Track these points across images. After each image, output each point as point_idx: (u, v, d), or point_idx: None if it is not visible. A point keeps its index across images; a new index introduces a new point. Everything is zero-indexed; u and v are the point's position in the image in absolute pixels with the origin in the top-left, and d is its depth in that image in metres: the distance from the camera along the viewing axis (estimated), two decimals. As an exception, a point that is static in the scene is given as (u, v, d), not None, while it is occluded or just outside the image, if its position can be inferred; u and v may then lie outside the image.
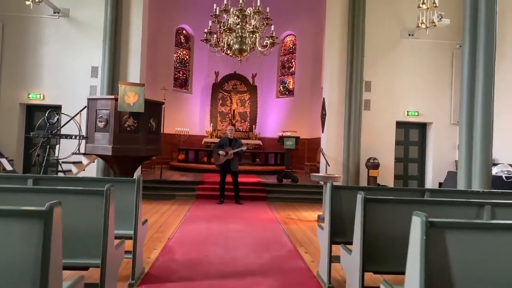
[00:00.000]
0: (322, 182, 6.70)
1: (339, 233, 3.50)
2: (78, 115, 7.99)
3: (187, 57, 16.05)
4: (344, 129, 9.36)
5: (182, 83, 15.85)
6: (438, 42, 9.59)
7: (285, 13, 15.66)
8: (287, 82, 16.16)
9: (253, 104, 15.58)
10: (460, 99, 4.68)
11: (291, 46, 16.14)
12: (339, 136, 9.42)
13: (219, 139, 8.59)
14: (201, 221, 6.24)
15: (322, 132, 9.71)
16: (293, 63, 15.96)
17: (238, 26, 6.64)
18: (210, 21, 7.77)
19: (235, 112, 15.39)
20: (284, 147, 9.59)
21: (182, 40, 15.84)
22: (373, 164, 8.92)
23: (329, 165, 8.94)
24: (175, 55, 15.53)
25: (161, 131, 9.02)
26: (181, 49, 15.83)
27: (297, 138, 9.62)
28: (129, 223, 3.41)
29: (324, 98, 9.72)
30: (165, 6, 14.48)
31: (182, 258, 4.19)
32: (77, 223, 2.54)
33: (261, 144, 14.73)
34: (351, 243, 3.46)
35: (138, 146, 7.56)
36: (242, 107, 15.66)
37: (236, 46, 6.25)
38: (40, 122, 8.00)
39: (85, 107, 7.75)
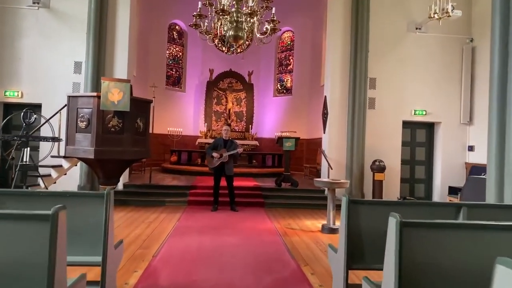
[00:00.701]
0: (326, 189, 6.04)
1: (357, 258, 2.85)
2: (58, 114, 7.29)
3: (180, 54, 15.35)
4: (347, 129, 8.73)
5: (175, 81, 15.16)
6: (447, 36, 8.98)
7: (282, 8, 14.94)
8: (285, 80, 15.52)
9: (250, 103, 14.92)
10: (489, 96, 4.06)
11: (289, 42, 15.49)
12: (342, 137, 8.79)
13: (213, 140, 7.91)
14: (192, 233, 5.57)
15: (324, 132, 9.08)
16: (291, 60, 15.32)
17: (233, 9, 5.87)
18: (199, 2, 6.96)
19: (231, 111, 14.73)
20: (283, 148, 8.95)
21: (175, 36, 15.15)
22: (379, 167, 8.29)
23: (331, 168, 8.30)
24: (167, 52, 14.83)
25: (150, 132, 8.36)
26: (174, 46, 15.13)
27: (296, 139, 8.98)
28: (97, 248, 2.73)
29: (325, 97, 9.08)
30: (156, 0, 13.78)
31: (167, 283, 3.52)
32: (13, 258, 1.87)
33: (258, 145, 14.07)
34: (372, 269, 2.82)
35: (124, 148, 6.87)
36: (238, 106, 15.00)
37: (231, 32, 5.52)
38: (17, 121, 7.29)
39: (65, 105, 7.05)
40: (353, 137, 8.63)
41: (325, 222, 6.25)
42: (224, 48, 16.05)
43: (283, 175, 8.99)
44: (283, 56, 15.64)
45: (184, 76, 15.30)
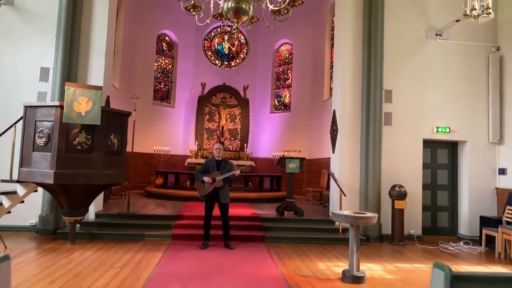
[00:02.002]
0: (348, 225, 4.75)
1: None
2: (13, 129, 5.97)
3: (170, 66, 14.19)
4: (361, 148, 7.52)
5: (164, 95, 13.93)
6: (471, 44, 7.95)
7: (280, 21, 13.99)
8: (283, 95, 14.39)
9: (245, 120, 13.71)
10: None
11: (287, 55, 14.46)
12: (355, 158, 7.57)
13: (204, 161, 6.62)
14: (174, 284, 4.20)
15: (333, 152, 7.85)
16: (290, 74, 14.24)
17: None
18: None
19: (224, 128, 13.48)
20: (286, 170, 7.68)
21: (164, 47, 14.01)
22: (399, 193, 7.05)
23: (344, 195, 7.02)
24: (155, 64, 13.65)
25: (129, 151, 7.05)
26: (163, 58, 13.97)
27: (301, 160, 7.73)
28: None
29: (334, 111, 7.90)
30: (144, 8, 12.69)
31: None
32: None
33: (254, 165, 12.77)
34: None
35: (93, 170, 5.56)
36: (232, 123, 13.76)
37: (231, 3, 4.03)
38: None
39: (21, 118, 5.74)
40: (368, 157, 7.41)
41: (345, 265, 4.94)
42: (217, 61, 14.96)
43: (286, 202, 7.69)
44: (280, 70, 14.57)
45: (173, 90, 14.10)
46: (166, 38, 14.08)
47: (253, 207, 9.12)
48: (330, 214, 4.98)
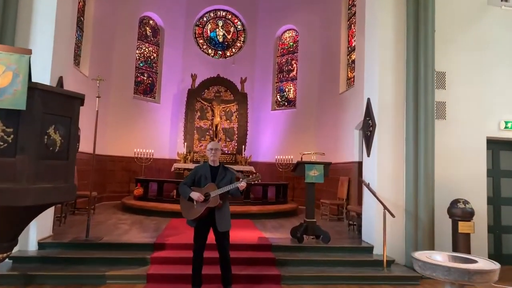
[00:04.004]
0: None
1: None
2: None
3: (155, 55, 12.13)
4: (407, 150, 5.57)
5: (147, 88, 11.85)
6: (545, 13, 6.06)
7: (283, 3, 12.13)
8: (286, 89, 12.42)
9: (242, 117, 11.68)
10: None
11: (291, 44, 12.50)
12: (398, 162, 5.61)
13: (194, 167, 4.57)
14: None
15: (368, 155, 5.87)
16: (294, 65, 12.29)
17: None
18: None
19: (218, 127, 11.44)
20: (306, 180, 5.65)
21: (148, 32, 11.95)
22: (464, 212, 5.08)
23: (392, 215, 5.03)
24: (137, 52, 11.58)
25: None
26: (147, 44, 11.90)
27: (326, 166, 5.71)
28: None
29: (368, 101, 5.93)
30: (123, -19, 10.64)
31: None
32: None
33: (254, 171, 10.75)
34: None
35: (15, 184, 3.47)
36: (228, 121, 11.73)
37: None
38: None
39: None
40: (418, 162, 5.46)
41: None
42: (210, 51, 12.95)
43: (305, 223, 5.66)
44: (283, 60, 12.60)
45: (158, 82, 12.02)
46: (150, 22, 12.02)
47: (256, 225, 7.12)
48: (413, 258, 2.99)
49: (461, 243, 5.10)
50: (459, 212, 5.10)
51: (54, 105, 3.82)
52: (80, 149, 8.29)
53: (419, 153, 5.46)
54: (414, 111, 5.56)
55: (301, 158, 5.74)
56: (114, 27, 10.46)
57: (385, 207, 5.03)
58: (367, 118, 5.88)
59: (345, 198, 8.17)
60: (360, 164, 8.13)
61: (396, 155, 5.62)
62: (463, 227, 5.10)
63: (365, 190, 5.87)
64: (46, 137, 3.74)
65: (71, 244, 5.07)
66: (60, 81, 5.49)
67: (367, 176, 5.89)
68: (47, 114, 3.72)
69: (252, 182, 4.07)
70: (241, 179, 3.99)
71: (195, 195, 3.98)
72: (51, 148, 3.80)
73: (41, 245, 5.01)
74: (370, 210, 5.67)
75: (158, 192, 8.52)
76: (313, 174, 5.56)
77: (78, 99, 4.24)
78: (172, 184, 8.55)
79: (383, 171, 5.60)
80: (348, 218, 7.16)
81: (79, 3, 8.41)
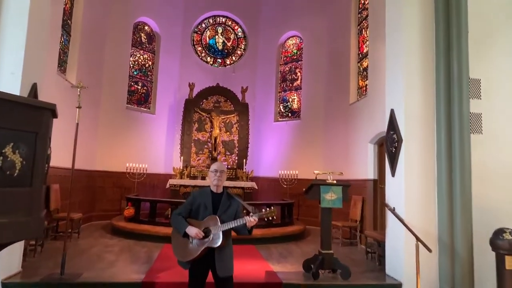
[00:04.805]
0: None
1: None
2: None
3: (150, 63, 11.39)
4: (438, 170, 4.78)
5: (141, 98, 11.08)
6: None
7: (286, 9, 11.48)
8: (290, 99, 11.69)
9: (243, 129, 10.90)
10: None
11: (295, 51, 11.81)
12: (428, 184, 4.82)
13: (191, 193, 3.73)
14: None
15: (393, 174, 5.07)
16: (298, 74, 11.58)
17: None
18: None
19: (218, 140, 10.64)
20: (321, 205, 4.84)
21: (143, 39, 11.23)
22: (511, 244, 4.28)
23: (429, 250, 4.20)
24: (131, 59, 10.84)
25: (46, 175, 4.15)
26: (141, 52, 11.18)
27: (345, 188, 4.90)
28: None
29: (392, 112, 5.16)
30: (116, -16, 9.97)
31: None
32: None
33: (256, 187, 9.95)
34: None
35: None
36: (228, 133, 10.94)
37: None
38: None
39: None
40: (452, 184, 4.66)
41: None
42: (209, 58, 12.24)
43: (321, 255, 4.83)
44: (287, 68, 11.90)
45: (154, 92, 11.27)
46: (146, 28, 11.32)
47: (260, 251, 6.30)
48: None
49: (508, 281, 4.28)
50: (506, 244, 4.27)
51: (12, 118, 3.00)
52: (65, 165, 7.48)
53: (454, 173, 4.67)
54: (446, 124, 4.78)
55: (315, 179, 4.96)
56: (106, 32, 9.74)
57: (418, 239, 4.21)
58: (391, 132, 5.10)
59: (359, 220, 7.36)
60: (375, 182, 7.37)
61: (426, 175, 4.83)
62: (510, 262, 4.28)
63: (389, 216, 5.07)
64: (1, 158, 2.94)
65: (42, 284, 4.21)
66: (34, 88, 4.70)
67: (391, 199, 5.09)
68: (3, 129, 2.92)
69: (265, 218, 3.26)
70: (250, 213, 3.19)
71: (192, 230, 3.17)
72: (8, 172, 2.97)
73: (5, 285, 4.16)
74: (397, 240, 4.85)
75: (151, 212, 7.68)
76: (330, 198, 4.76)
77: (47, 110, 3.43)
78: (166, 204, 7.71)
79: (411, 194, 4.81)
80: (366, 245, 6.32)
81: (65, 4, 7.68)
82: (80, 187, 8.44)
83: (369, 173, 7.42)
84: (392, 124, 5.09)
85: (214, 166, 3.43)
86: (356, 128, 8.14)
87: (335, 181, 4.81)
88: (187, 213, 3.34)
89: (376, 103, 7.26)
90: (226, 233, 3.20)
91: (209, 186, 3.47)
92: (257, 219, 3.19)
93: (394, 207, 4.89)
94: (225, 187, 3.57)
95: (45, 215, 6.76)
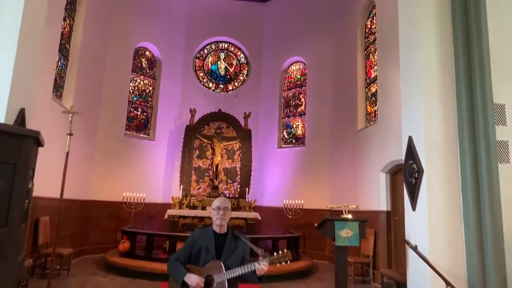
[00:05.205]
0: None
1: None
2: None
3: (151, 88, 11.13)
4: (465, 203, 4.32)
5: (141, 124, 10.74)
6: None
7: (289, 35, 11.34)
8: (294, 125, 11.34)
9: (246, 156, 10.49)
10: None
11: (299, 77, 11.57)
12: (453, 219, 4.35)
13: (190, 234, 3.26)
14: None
15: (413, 208, 4.60)
16: (302, 99, 11.28)
17: None
18: None
19: (219, 167, 10.21)
20: (336, 243, 4.35)
21: (143, 64, 11.02)
22: (554, 290, 3.77)
23: (462, 298, 3.70)
24: (131, 85, 10.57)
25: (26, 212, 3.69)
26: (142, 77, 10.93)
27: (362, 223, 4.44)
28: None
29: (410, 139, 4.76)
30: (118, 10, 9.83)
31: None
32: None
33: (259, 218, 9.43)
34: None
35: None
36: (230, 160, 10.53)
37: None
38: None
39: None
40: (480, 219, 4.19)
41: None
42: (211, 84, 12.00)
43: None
44: (290, 94, 11.62)
45: (154, 118, 10.94)
46: (147, 53, 11.13)
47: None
48: None
49: (553, 333, 3.74)
50: (548, 289, 3.78)
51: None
52: (58, 196, 7.04)
53: (482, 207, 4.21)
54: (471, 153, 4.36)
55: (329, 213, 4.48)
56: (105, 57, 9.51)
57: (449, 284, 3.71)
58: (410, 161, 4.68)
59: (371, 255, 6.82)
60: (388, 214, 6.88)
61: (451, 209, 4.37)
62: (554, 310, 3.76)
63: (410, 254, 4.57)
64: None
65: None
66: (22, 114, 4.32)
67: (413, 235, 4.60)
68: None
69: (278, 263, 2.79)
70: (260, 258, 2.73)
71: (192, 279, 2.70)
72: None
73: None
74: (422, 284, 4.33)
75: (147, 246, 7.15)
76: (346, 235, 4.28)
77: (29, 138, 3.06)
78: (163, 237, 7.19)
79: (436, 230, 4.33)
80: (383, 285, 5.77)
81: (64, 28, 7.45)
82: (73, 218, 7.95)
83: (382, 204, 6.95)
84: (411, 152, 4.67)
85: (216, 203, 2.99)
86: (366, 156, 7.73)
87: (350, 216, 4.33)
88: (186, 258, 2.88)
89: (387, 129, 6.89)
90: (232, 282, 2.73)
91: (211, 225, 3.03)
92: (268, 265, 2.72)
93: (416, 245, 4.41)
94: (229, 226, 3.12)
95: (32, 251, 6.21)
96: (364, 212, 7.29)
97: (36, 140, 3.16)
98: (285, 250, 2.89)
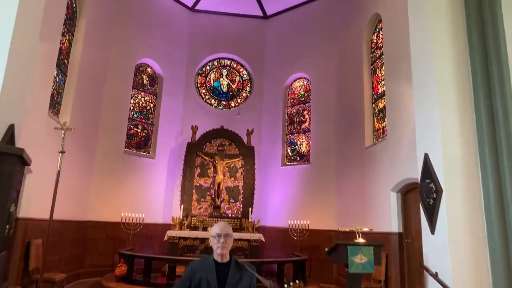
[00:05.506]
0: None
1: None
2: None
3: (151, 105, 10.90)
4: (489, 226, 3.97)
5: (141, 142, 10.46)
6: None
7: (291, 51, 11.20)
8: (298, 142, 11.04)
9: (249, 174, 10.16)
10: None
11: (302, 93, 11.35)
12: (477, 243, 3.99)
13: (189, 265, 2.89)
14: None
15: (432, 231, 4.24)
16: (306, 116, 11.02)
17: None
18: None
19: (221, 186, 9.87)
20: (350, 270, 3.98)
21: (145, 80, 10.83)
22: None
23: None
24: (132, 102, 10.36)
25: (10, 237, 3.34)
26: (143, 94, 10.73)
27: (378, 248, 4.07)
28: None
29: (426, 156, 4.43)
30: (119, 25, 9.71)
31: None
32: None
33: (263, 240, 9.02)
34: None
35: None
36: (232, 178, 10.19)
37: None
38: None
39: None
40: (507, 245, 3.83)
41: None
42: (213, 101, 11.81)
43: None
44: (294, 110, 11.37)
45: (154, 135, 10.67)
46: (148, 69, 10.96)
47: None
48: None
49: None
50: None
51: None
52: (55, 216, 6.71)
53: (509, 229, 3.85)
54: (494, 170, 4.03)
55: (341, 237, 4.11)
56: (105, 73, 9.32)
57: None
58: (427, 181, 4.34)
59: (383, 279, 6.39)
60: (400, 235, 6.49)
61: (474, 233, 4.01)
62: None
63: (430, 281, 4.19)
64: None
65: None
66: (11, 130, 4.04)
67: (432, 261, 4.23)
68: None
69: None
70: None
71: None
72: None
73: None
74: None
75: (145, 270, 6.75)
76: (360, 261, 3.91)
77: (12, 156, 2.76)
78: (162, 261, 6.80)
79: (458, 256, 3.95)
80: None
81: (62, 43, 7.27)
82: (68, 240, 7.58)
83: (393, 225, 6.57)
84: (428, 171, 4.34)
85: (216, 230, 2.66)
86: (375, 174, 7.39)
87: (364, 240, 3.98)
88: (185, 289, 2.53)
89: (397, 146, 6.58)
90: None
91: (212, 253, 2.69)
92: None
93: (436, 272, 4.03)
94: (232, 254, 2.78)
95: (23, 276, 5.82)
96: (375, 234, 6.90)
97: (20, 158, 2.85)
98: (297, 282, 2.53)
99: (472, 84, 4.34)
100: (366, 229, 4.41)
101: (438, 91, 4.38)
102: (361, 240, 4.04)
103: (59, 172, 4.11)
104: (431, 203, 4.24)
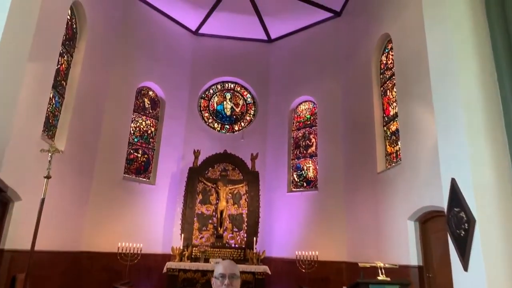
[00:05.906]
0: None
1: None
2: None
3: (153, 129, 10.56)
4: (531, 262, 3.46)
5: (141, 167, 10.04)
6: None
7: (296, 73, 10.97)
8: (305, 167, 10.59)
9: (253, 201, 9.66)
10: None
11: (308, 116, 11.00)
12: (518, 282, 3.46)
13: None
14: None
15: (465, 268, 3.72)
16: (313, 140, 10.62)
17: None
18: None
19: (224, 214, 9.36)
20: (372, 314, 3.45)
21: (146, 104, 10.54)
22: None
23: None
24: (132, 126, 10.02)
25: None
26: (144, 117, 10.41)
27: (405, 287, 3.55)
28: None
29: (453, 182, 3.97)
30: (120, 48, 9.52)
31: None
32: None
33: (269, 272, 8.42)
34: None
35: None
36: (236, 205, 9.70)
37: None
38: None
39: None
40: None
41: None
42: (216, 125, 11.47)
43: None
44: (300, 134, 10.99)
45: (155, 160, 10.26)
46: (150, 93, 10.70)
47: None
48: None
49: None
50: None
51: None
52: (45, 247, 6.24)
53: (555, 267, 3.35)
54: (532, 198, 3.58)
55: (361, 275, 3.59)
56: (105, 96, 9.04)
57: None
58: (456, 209, 3.86)
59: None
60: (420, 269, 5.92)
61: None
62: None
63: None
64: None
65: None
66: (-7, 154, 3.66)
67: (465, 302, 3.69)
68: None
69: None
70: None
71: None
72: None
73: None
74: None
75: (141, 308, 6.17)
76: (384, 303, 3.39)
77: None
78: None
79: (498, 297, 3.43)
80: None
81: (60, 64, 7.00)
82: (58, 272, 7.05)
83: (412, 258, 6.00)
84: (457, 198, 3.87)
85: (219, 269, 2.19)
86: (389, 201, 6.89)
87: (389, 278, 3.47)
88: None
89: (413, 171, 6.12)
90: None
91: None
92: None
93: (472, 316, 3.48)
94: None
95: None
96: (391, 267, 6.32)
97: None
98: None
99: (502, 104, 3.93)
100: (389, 265, 3.90)
101: (465, 113, 3.96)
102: (384, 278, 3.53)
103: (43, 199, 3.68)
104: (462, 234, 3.74)
